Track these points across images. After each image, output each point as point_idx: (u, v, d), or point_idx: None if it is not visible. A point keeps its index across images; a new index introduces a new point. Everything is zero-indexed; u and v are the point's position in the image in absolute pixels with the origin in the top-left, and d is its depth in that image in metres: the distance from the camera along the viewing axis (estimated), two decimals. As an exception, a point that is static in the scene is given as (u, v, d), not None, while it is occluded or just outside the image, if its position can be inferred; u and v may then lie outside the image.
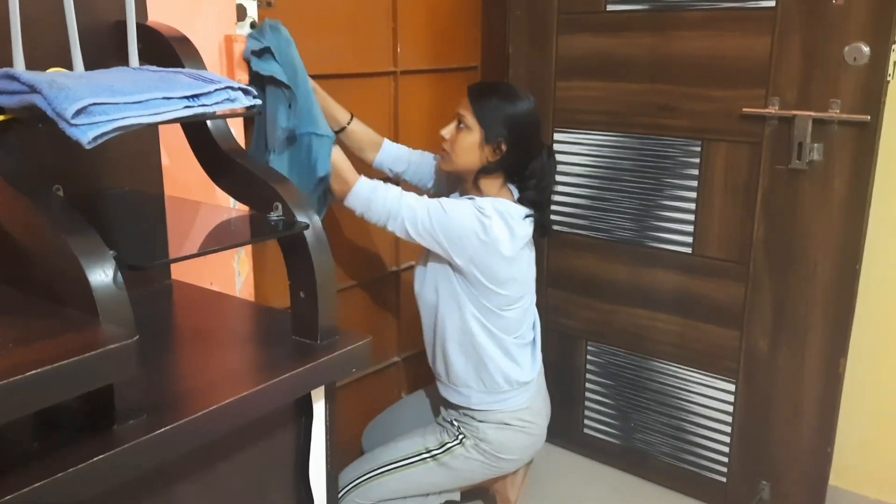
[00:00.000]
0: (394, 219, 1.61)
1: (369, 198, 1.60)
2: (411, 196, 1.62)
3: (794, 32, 1.75)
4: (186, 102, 0.86)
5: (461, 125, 1.68)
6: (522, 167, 1.70)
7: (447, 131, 1.71)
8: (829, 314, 1.83)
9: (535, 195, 1.71)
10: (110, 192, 1.15)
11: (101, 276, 0.76)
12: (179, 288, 1.25)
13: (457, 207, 1.62)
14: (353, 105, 1.93)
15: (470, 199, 1.66)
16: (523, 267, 1.74)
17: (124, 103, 0.79)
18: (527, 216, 1.70)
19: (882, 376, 2.04)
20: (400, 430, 1.86)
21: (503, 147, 1.66)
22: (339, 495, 1.72)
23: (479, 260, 1.64)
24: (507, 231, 1.64)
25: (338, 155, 1.57)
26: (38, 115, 0.77)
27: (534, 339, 1.84)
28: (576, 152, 2.16)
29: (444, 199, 1.65)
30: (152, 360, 0.94)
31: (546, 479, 2.21)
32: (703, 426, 2.10)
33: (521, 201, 1.71)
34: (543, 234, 1.78)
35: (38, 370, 0.66)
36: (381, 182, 1.63)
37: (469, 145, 1.67)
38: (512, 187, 1.73)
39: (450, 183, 1.85)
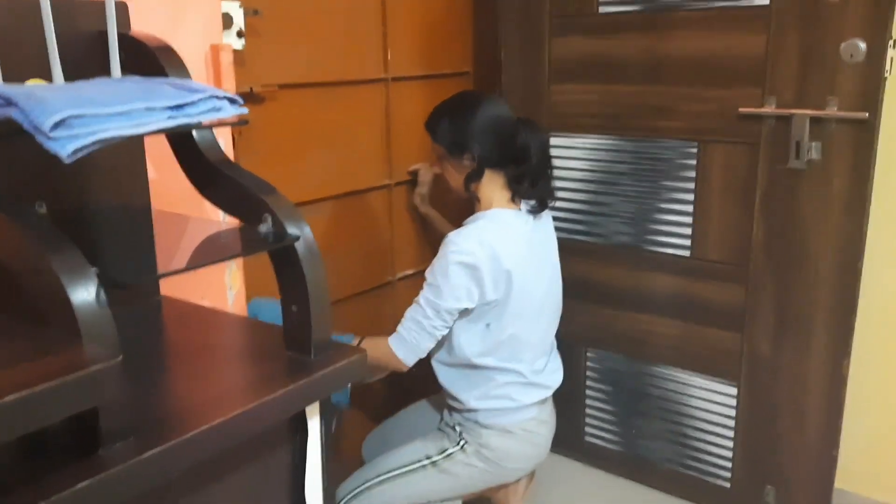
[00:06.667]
0: (424, 340, 1.65)
1: (399, 347, 1.66)
2: (410, 313, 1.66)
3: (790, 30, 1.73)
4: (170, 113, 0.82)
5: (438, 159, 1.78)
6: (504, 157, 1.70)
7: (437, 168, 1.83)
8: (832, 315, 1.80)
9: (529, 169, 1.71)
10: (95, 207, 1.12)
11: (84, 294, 0.73)
12: (169, 304, 1.21)
13: (438, 271, 1.62)
14: (346, 113, 1.91)
15: (449, 241, 1.64)
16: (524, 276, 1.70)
17: (105, 115, 0.76)
18: (529, 210, 1.71)
19: (887, 376, 2.02)
20: (401, 439, 1.83)
21: (474, 153, 1.68)
22: (340, 505, 1.69)
23: (493, 279, 1.63)
24: (477, 243, 1.62)
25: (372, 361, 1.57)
26: (15, 128, 0.74)
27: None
28: (571, 156, 2.13)
29: (428, 280, 1.65)
30: (141, 380, 0.91)
31: (548, 488, 2.18)
32: (705, 431, 2.07)
33: (518, 181, 1.70)
34: (542, 207, 1.75)
35: (17, 395, 0.63)
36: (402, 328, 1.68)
37: (451, 169, 1.75)
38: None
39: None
